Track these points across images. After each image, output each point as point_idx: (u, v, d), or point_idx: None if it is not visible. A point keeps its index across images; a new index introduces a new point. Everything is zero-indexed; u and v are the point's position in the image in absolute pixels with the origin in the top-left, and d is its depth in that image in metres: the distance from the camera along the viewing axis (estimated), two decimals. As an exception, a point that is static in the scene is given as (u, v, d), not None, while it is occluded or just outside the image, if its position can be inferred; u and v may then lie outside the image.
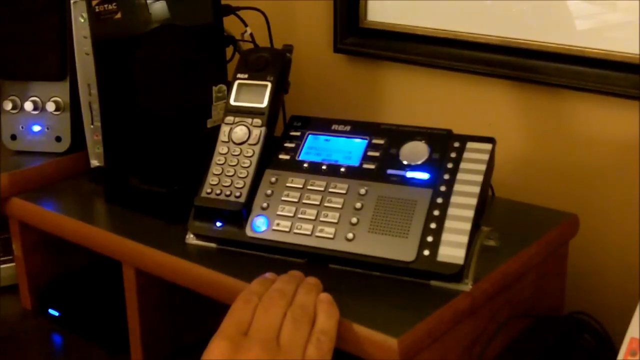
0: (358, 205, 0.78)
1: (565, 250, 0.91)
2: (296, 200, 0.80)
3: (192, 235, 0.85)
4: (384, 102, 1.15)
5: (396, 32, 1.09)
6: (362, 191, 0.78)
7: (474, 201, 0.75)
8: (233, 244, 0.82)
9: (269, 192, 0.81)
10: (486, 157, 0.78)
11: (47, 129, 1.08)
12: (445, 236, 0.73)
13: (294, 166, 0.83)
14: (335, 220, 0.78)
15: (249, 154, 0.83)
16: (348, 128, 0.85)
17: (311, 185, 0.81)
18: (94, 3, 0.90)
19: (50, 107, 1.06)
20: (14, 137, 1.09)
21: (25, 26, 1.06)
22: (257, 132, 0.83)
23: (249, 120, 0.84)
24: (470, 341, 0.76)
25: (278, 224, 0.79)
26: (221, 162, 0.83)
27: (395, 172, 0.79)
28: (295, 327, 0.67)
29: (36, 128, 1.08)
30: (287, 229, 0.79)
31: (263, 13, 1.05)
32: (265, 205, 0.81)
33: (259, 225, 0.80)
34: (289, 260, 0.79)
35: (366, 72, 1.16)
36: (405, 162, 0.79)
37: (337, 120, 0.85)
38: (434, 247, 0.73)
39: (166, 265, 0.83)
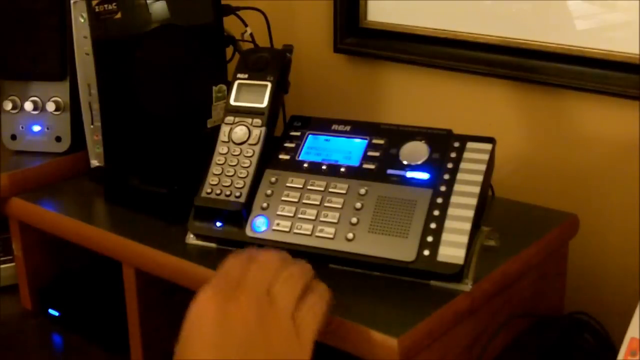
0: (358, 205, 0.78)
1: (565, 250, 0.91)
2: (296, 200, 0.80)
3: (192, 235, 0.85)
4: (384, 102, 1.15)
5: (396, 32, 1.09)
6: (362, 191, 0.78)
7: (474, 201, 0.75)
8: (233, 244, 0.82)
9: (269, 192, 0.81)
10: (486, 157, 0.78)
11: (47, 129, 1.08)
12: (445, 236, 0.73)
13: (294, 166, 0.83)
14: (335, 220, 0.78)
15: (249, 154, 0.83)
16: (348, 128, 0.85)
17: (311, 185, 0.81)
18: (94, 3, 0.90)
19: (50, 107, 1.06)
20: (14, 137, 1.09)
21: (25, 26, 1.06)
22: (257, 132, 0.83)
23: (249, 120, 0.84)
24: (470, 341, 0.76)
25: (278, 224, 0.79)
26: (221, 162, 0.83)
27: (395, 172, 0.79)
28: (290, 285, 0.65)
29: (36, 128, 1.08)
30: (287, 229, 0.79)
31: (263, 13, 1.05)
32: (265, 205, 0.81)
33: (259, 225, 0.80)
34: (289, 260, 0.79)
35: (366, 72, 1.16)
36: (405, 162, 0.79)
37: (337, 120, 0.85)
38: (434, 247, 0.73)
39: (166, 265, 0.84)
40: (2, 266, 1.09)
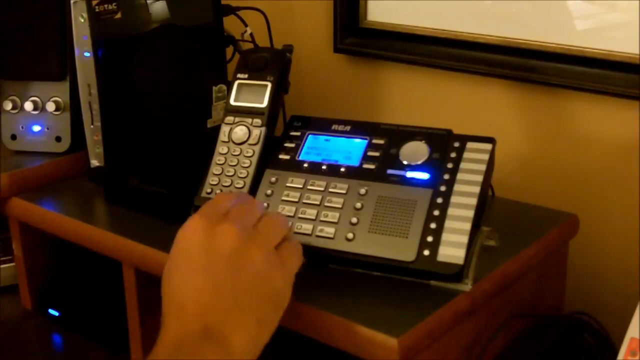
0: (358, 205, 0.78)
1: (565, 250, 0.91)
2: (296, 200, 0.80)
3: (192, 235, 0.84)
4: (384, 102, 1.15)
5: (396, 32, 1.09)
6: (362, 191, 0.78)
7: (474, 201, 0.75)
8: (233, 244, 0.82)
9: (269, 192, 0.81)
10: (486, 157, 0.78)
11: (47, 129, 1.08)
12: (445, 236, 0.73)
13: (294, 166, 0.83)
14: (335, 220, 0.78)
15: (249, 154, 0.83)
16: (348, 128, 0.85)
17: (311, 185, 0.81)
18: (94, 3, 0.90)
19: (50, 107, 1.06)
20: (14, 137, 1.09)
21: (25, 26, 1.06)
22: (257, 132, 0.83)
23: (249, 120, 0.84)
24: (470, 341, 0.76)
25: (278, 224, 0.79)
26: (221, 162, 0.83)
27: (395, 172, 0.79)
28: (274, 225, 0.69)
29: (36, 128, 1.08)
30: (287, 229, 0.79)
31: (263, 13, 1.05)
32: (265, 205, 0.81)
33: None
34: (289, 260, 0.79)
35: (366, 72, 1.16)
36: (405, 162, 0.79)
37: (337, 120, 0.85)
38: (434, 247, 0.73)
39: (166, 265, 0.83)
40: (2, 266, 1.09)
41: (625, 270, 0.95)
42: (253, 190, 0.82)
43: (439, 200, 0.76)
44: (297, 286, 0.71)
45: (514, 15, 0.98)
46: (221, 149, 0.84)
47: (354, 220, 0.77)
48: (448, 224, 0.74)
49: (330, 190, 0.80)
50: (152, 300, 0.90)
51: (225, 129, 0.85)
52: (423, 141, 0.80)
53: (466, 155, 0.79)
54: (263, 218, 0.69)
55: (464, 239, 0.73)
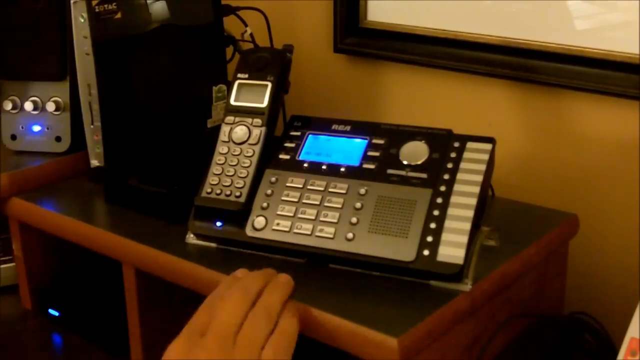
0: (358, 205, 0.78)
1: (565, 250, 0.91)
2: (296, 200, 0.80)
3: (192, 235, 0.85)
4: (384, 102, 1.15)
5: (396, 32, 1.09)
6: (362, 191, 0.78)
7: (473, 201, 0.75)
8: (233, 243, 0.82)
9: (269, 192, 0.81)
10: (486, 157, 0.78)
11: (47, 129, 1.08)
12: (445, 236, 0.73)
13: (294, 166, 0.83)
14: (335, 220, 0.78)
15: (249, 154, 0.83)
16: (348, 128, 0.85)
17: (311, 185, 0.81)
18: (94, 3, 0.90)
19: (50, 107, 1.06)
20: (14, 137, 1.09)
21: (25, 26, 1.06)
22: (257, 132, 0.83)
23: (249, 120, 0.84)
24: (470, 341, 0.76)
25: (278, 224, 0.79)
26: (221, 162, 0.83)
27: (395, 172, 0.79)
28: (253, 326, 0.66)
29: (36, 128, 1.08)
30: (287, 229, 0.79)
31: (263, 13, 1.05)
32: (265, 205, 0.81)
33: (259, 225, 0.80)
34: (289, 260, 0.79)
35: (366, 72, 1.16)
36: (405, 162, 0.80)
37: (337, 120, 0.86)
38: (434, 247, 0.73)
39: (166, 265, 0.84)
40: (2, 266, 1.09)
41: (625, 270, 0.95)
42: (253, 190, 0.82)
43: (439, 200, 0.76)
44: (297, 286, 0.71)
45: (514, 15, 0.98)
46: (221, 148, 0.84)
47: (354, 220, 0.77)
48: (448, 223, 0.74)
49: (330, 190, 0.80)
50: (152, 300, 0.90)
51: (225, 129, 0.85)
52: (423, 141, 0.80)
53: (466, 155, 0.79)
54: (246, 322, 0.66)
55: (464, 239, 0.73)
